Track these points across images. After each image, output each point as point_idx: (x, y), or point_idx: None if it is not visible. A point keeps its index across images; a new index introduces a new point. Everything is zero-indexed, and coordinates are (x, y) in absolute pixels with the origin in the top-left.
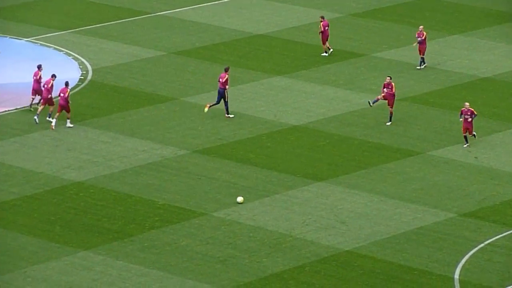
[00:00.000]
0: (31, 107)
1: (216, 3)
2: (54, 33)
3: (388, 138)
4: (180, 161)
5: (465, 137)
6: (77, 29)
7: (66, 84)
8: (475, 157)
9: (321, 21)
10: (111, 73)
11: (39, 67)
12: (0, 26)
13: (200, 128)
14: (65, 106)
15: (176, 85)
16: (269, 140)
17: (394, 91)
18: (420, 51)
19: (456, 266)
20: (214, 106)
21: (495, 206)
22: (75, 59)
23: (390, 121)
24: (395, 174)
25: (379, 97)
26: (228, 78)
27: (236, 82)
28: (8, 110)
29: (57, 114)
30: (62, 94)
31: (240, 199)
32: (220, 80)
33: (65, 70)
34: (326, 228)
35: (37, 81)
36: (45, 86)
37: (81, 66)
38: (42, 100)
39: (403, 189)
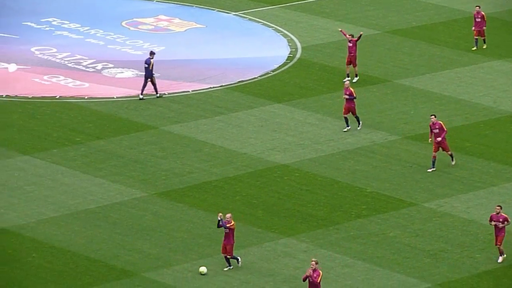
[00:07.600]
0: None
1: None
2: (264, 8)
3: None
4: (391, 147)
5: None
6: (288, 4)
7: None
8: None
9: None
10: (322, 51)
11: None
12: None
13: (413, 113)
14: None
15: (389, 66)
16: (487, 128)
17: (444, 132)
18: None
19: None
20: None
21: None
22: (284, 35)
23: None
24: None
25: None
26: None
27: (453, 65)
28: (213, 87)
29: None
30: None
31: (203, 269)
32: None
33: (274, 47)
34: None
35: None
36: None
37: (290, 44)
38: None
39: None
